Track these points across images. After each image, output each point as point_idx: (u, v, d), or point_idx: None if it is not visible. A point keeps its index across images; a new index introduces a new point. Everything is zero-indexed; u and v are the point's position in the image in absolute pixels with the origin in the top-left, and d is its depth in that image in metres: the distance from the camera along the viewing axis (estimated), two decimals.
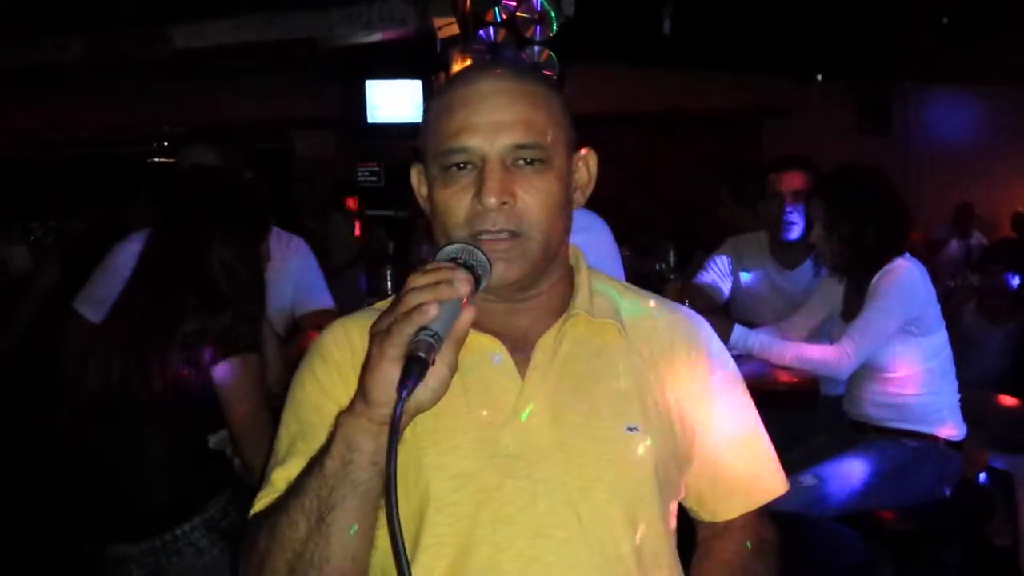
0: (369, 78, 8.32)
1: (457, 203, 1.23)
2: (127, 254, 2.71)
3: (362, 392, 1.09)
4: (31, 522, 3.39)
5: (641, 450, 1.27)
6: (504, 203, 1.21)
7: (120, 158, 9.31)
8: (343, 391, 1.23)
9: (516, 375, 1.28)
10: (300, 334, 3.17)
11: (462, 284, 1.08)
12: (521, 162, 1.23)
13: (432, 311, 1.04)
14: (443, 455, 1.23)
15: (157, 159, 9.59)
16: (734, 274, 3.72)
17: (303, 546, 1.13)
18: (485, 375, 1.27)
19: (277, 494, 1.22)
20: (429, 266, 1.11)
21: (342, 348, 1.31)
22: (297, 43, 7.20)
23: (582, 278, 1.36)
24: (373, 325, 1.10)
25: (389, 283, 3.14)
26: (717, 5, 6.76)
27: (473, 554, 1.21)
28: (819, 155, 3.59)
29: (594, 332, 1.32)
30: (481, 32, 4.67)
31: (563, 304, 1.33)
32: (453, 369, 1.09)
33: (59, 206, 7.05)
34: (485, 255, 1.17)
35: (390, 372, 1.05)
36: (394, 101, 8.35)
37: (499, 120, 1.22)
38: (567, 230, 1.32)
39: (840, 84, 9.49)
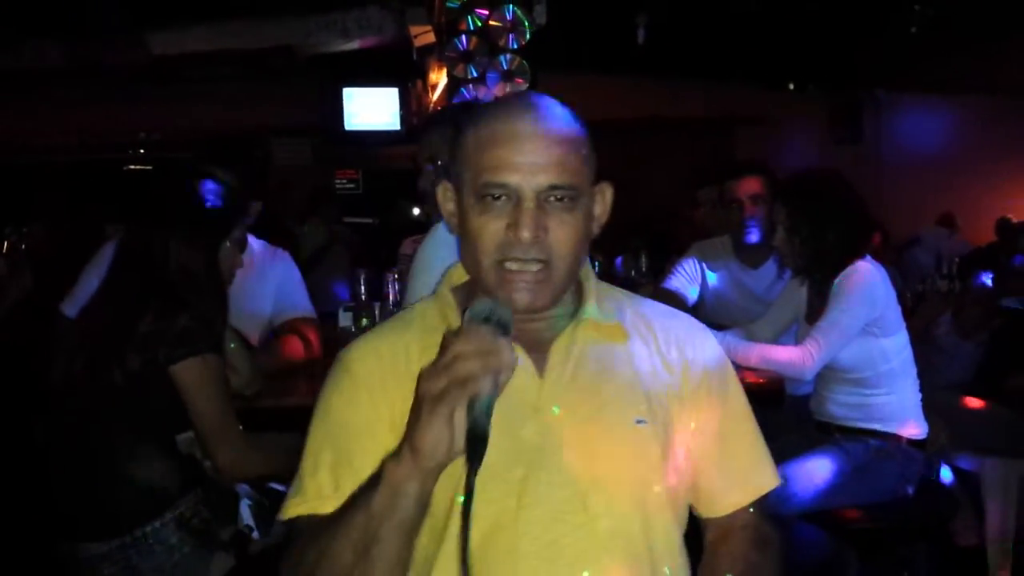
0: (346, 85, 8.36)
1: (490, 231, 1.33)
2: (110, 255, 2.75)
3: (411, 447, 1.18)
4: (5, 523, 3.39)
5: (648, 441, 1.38)
6: (536, 237, 1.32)
7: (97, 165, 9.28)
8: (368, 405, 1.38)
9: (535, 375, 1.38)
10: (279, 339, 3.21)
11: (508, 355, 1.16)
12: (553, 199, 1.33)
13: (487, 387, 1.14)
14: None
15: (134, 166, 9.58)
16: (701, 277, 3.80)
17: (349, 572, 1.23)
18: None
19: (307, 501, 1.37)
20: (470, 330, 1.19)
21: (367, 364, 1.41)
22: (274, 51, 7.22)
23: (590, 287, 1.47)
24: (422, 382, 1.18)
25: (362, 287, 3.17)
26: (691, 15, 6.83)
27: (498, 536, 1.31)
28: (791, 163, 3.67)
29: (602, 335, 1.43)
30: (454, 40, 4.72)
31: (573, 311, 1.45)
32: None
33: (35, 213, 7.01)
34: (508, 309, 1.25)
35: (438, 429, 1.15)
36: (371, 108, 8.39)
37: (537, 161, 1.32)
38: (585, 257, 1.44)
39: (812, 93, 9.60)
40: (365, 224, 7.35)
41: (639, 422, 1.38)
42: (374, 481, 1.22)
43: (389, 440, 1.29)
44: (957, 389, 4.19)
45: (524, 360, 1.37)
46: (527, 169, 1.32)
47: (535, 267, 1.33)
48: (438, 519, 1.31)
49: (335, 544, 1.24)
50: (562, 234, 1.34)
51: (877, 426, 2.89)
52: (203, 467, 2.32)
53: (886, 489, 2.87)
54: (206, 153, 3.01)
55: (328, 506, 1.33)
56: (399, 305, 3.09)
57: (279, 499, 2.38)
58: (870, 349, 2.84)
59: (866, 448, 2.87)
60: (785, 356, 2.83)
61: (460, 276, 1.50)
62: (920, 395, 2.97)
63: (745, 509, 1.50)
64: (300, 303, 3.31)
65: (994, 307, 4.49)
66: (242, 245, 3.24)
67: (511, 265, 1.33)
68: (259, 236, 3.37)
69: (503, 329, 1.19)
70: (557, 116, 1.37)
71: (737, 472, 1.50)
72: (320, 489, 1.36)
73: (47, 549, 2.35)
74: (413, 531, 1.24)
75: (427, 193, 2.45)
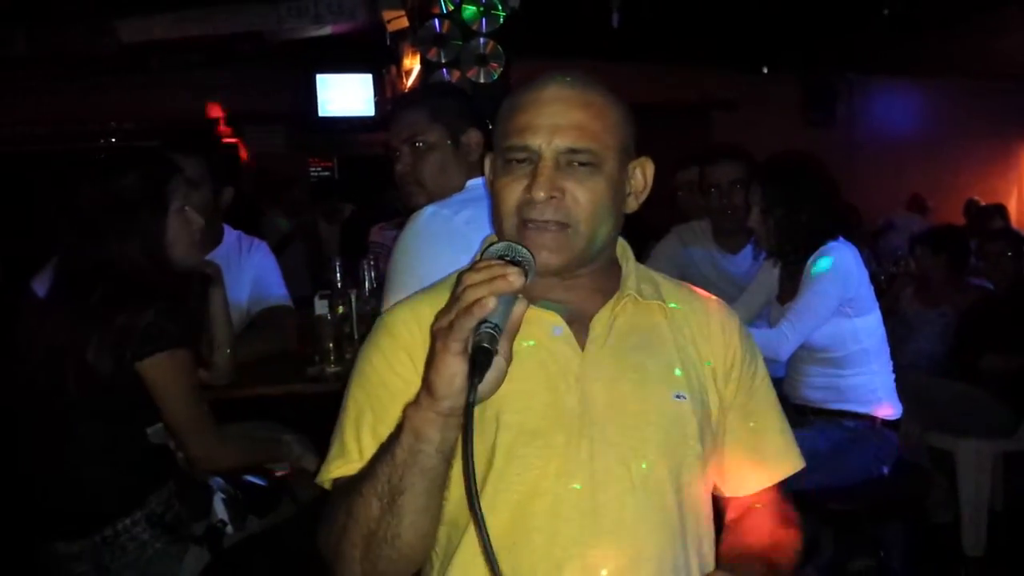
0: (319, 72, 8.27)
1: (511, 192, 1.38)
2: None
3: (427, 386, 1.18)
4: None
5: (687, 416, 1.41)
6: (552, 197, 1.35)
7: (67, 154, 9.15)
8: (410, 367, 1.37)
9: (576, 346, 1.41)
10: (257, 328, 3.18)
11: (515, 278, 1.15)
12: (573, 163, 1.36)
13: (491, 303, 1.13)
14: (518, 413, 1.34)
15: (103, 155, 9.44)
16: (680, 261, 3.79)
17: (377, 524, 1.24)
18: (550, 345, 1.39)
19: (351, 463, 1.35)
20: (480, 263, 1.20)
21: (409, 326, 1.42)
22: (245, 37, 7.13)
23: (630, 267, 1.51)
24: (433, 323, 1.18)
25: (338, 274, 3.13)
26: None
27: (537, 501, 1.33)
28: (766, 146, 3.65)
29: (642, 312, 1.46)
30: (426, 24, 4.68)
31: (611, 287, 1.47)
32: (509, 360, 1.18)
33: (4, 203, 6.93)
34: (528, 250, 1.26)
35: (453, 366, 1.14)
36: (345, 95, 8.31)
37: (557, 124, 1.36)
38: (615, 229, 1.45)
39: (786, 76, 9.62)
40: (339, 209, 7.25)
41: (678, 396, 1.41)
42: (397, 432, 1.22)
43: None
44: (927, 366, 4.24)
45: (564, 331, 1.41)
46: (547, 131, 1.36)
47: (553, 228, 1.36)
48: (498, 468, 1.32)
49: (362, 497, 1.24)
50: (580, 196, 1.36)
51: (851, 407, 2.91)
52: (175, 458, 2.29)
53: (861, 469, 2.90)
54: (178, 135, 2.93)
55: None
56: (376, 293, 3.06)
57: (253, 492, 2.40)
58: (842, 329, 2.86)
59: (841, 429, 2.89)
60: (760, 338, 2.82)
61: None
62: (894, 376, 3.00)
63: (769, 489, 1.54)
64: (277, 291, 3.30)
65: (956, 278, 4.54)
66: (218, 236, 3.21)
67: (531, 226, 1.36)
68: (236, 225, 3.34)
69: (518, 266, 1.19)
70: (583, 84, 1.41)
71: (764, 452, 1.53)
72: (363, 451, 1.35)
73: (17, 548, 2.31)
74: (438, 482, 1.23)
75: (405, 176, 2.39)
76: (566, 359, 1.39)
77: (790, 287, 2.93)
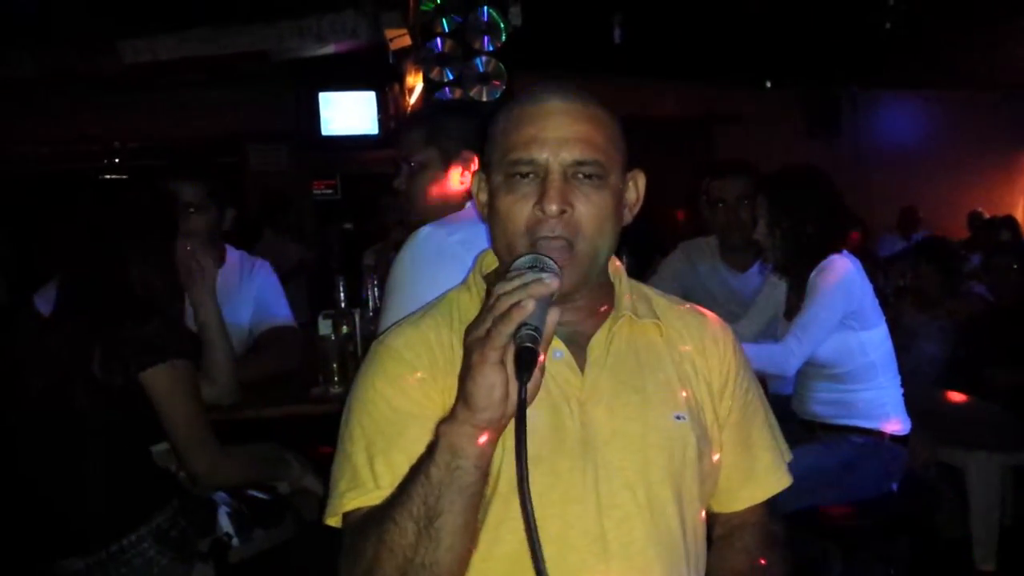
0: (322, 90, 8.29)
1: (519, 210, 1.34)
2: None
3: (465, 399, 1.15)
4: None
5: (687, 437, 1.41)
6: (563, 211, 1.32)
7: (71, 174, 9.19)
8: (419, 389, 1.34)
9: (577, 370, 1.39)
10: (260, 349, 3.17)
11: (552, 280, 1.16)
12: (580, 176, 1.34)
13: (530, 306, 1.11)
14: None
15: (109, 175, 9.49)
16: (687, 278, 3.77)
17: (413, 551, 1.19)
18: (551, 368, 1.35)
19: (367, 493, 1.30)
20: (511, 274, 1.19)
21: (415, 348, 1.38)
22: (248, 56, 7.16)
23: (623, 286, 1.49)
24: (467, 335, 1.16)
25: (342, 293, 3.12)
26: (667, 14, 6.84)
27: (544, 527, 1.26)
28: (770, 160, 3.65)
29: (639, 331, 1.45)
30: (429, 43, 4.70)
31: (606, 306, 1.45)
32: (543, 370, 1.16)
33: (10, 223, 6.94)
34: (554, 260, 1.25)
35: (492, 376, 1.12)
36: (348, 113, 8.33)
37: (563, 136, 1.33)
38: (615, 243, 1.42)
39: (789, 90, 9.63)
40: (344, 228, 7.25)
41: (678, 418, 1.40)
42: (430, 450, 1.19)
43: None
44: (931, 374, 4.22)
45: (564, 354, 1.39)
46: (553, 144, 1.33)
47: (559, 247, 1.33)
48: (503, 494, 1.30)
49: (395, 524, 1.19)
50: (587, 211, 1.33)
51: (859, 422, 2.89)
52: (178, 479, 2.30)
53: (870, 485, 2.87)
54: (177, 162, 2.96)
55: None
56: (377, 314, 3.05)
57: (258, 506, 2.40)
58: (848, 342, 2.84)
59: (849, 445, 2.87)
60: (767, 354, 2.83)
61: (491, 263, 1.49)
62: (902, 390, 2.98)
63: (758, 506, 1.53)
64: (280, 312, 3.29)
65: (950, 286, 4.53)
66: (220, 256, 3.21)
67: (541, 243, 1.33)
68: (239, 246, 3.34)
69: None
70: (583, 97, 1.39)
71: (754, 469, 1.52)
72: (378, 479, 1.30)
73: (25, 566, 2.31)
74: (476, 499, 1.20)
75: (400, 194, 2.41)
76: (567, 383, 1.38)
77: (796, 302, 2.92)
